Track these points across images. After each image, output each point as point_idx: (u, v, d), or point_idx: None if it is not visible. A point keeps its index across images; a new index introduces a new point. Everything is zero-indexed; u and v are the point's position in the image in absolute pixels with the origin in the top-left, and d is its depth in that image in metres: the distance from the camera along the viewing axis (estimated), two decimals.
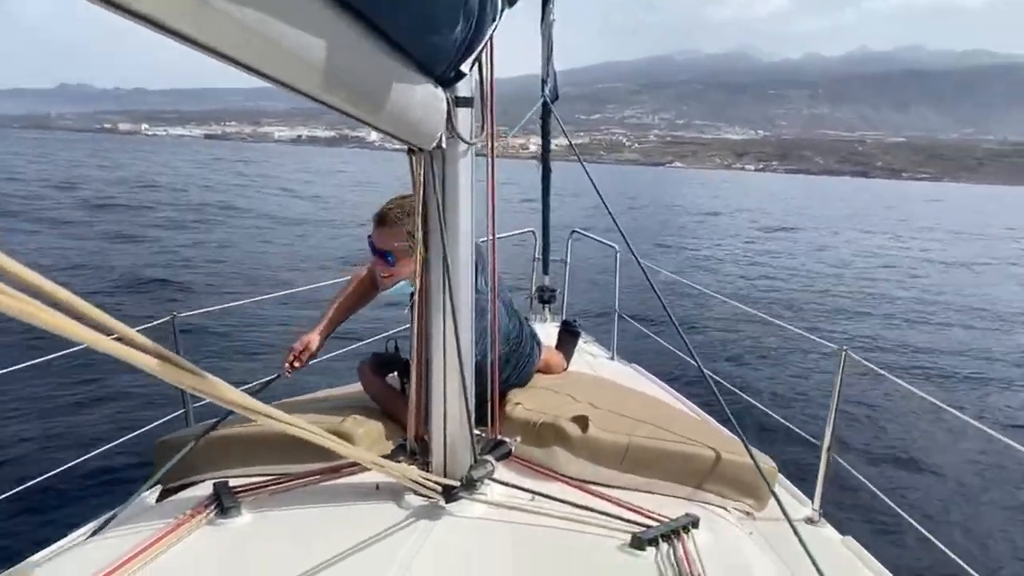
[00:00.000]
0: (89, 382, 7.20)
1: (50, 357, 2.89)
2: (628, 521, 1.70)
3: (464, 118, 1.58)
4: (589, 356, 4.22)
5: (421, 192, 1.63)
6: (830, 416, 2.88)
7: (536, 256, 5.34)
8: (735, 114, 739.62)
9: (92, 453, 3.17)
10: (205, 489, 1.86)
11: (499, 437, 1.98)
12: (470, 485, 1.74)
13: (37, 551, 2.25)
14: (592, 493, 1.90)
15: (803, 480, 3.04)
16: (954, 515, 5.59)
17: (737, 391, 3.98)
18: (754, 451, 2.04)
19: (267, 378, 2.58)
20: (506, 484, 1.85)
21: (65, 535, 2.31)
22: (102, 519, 2.03)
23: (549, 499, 1.78)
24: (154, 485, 2.10)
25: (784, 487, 2.90)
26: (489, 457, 1.83)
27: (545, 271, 5.24)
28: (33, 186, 29.02)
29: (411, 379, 1.85)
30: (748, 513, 2.07)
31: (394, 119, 1.23)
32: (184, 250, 16.00)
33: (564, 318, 4.53)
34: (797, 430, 3.47)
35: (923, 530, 2.80)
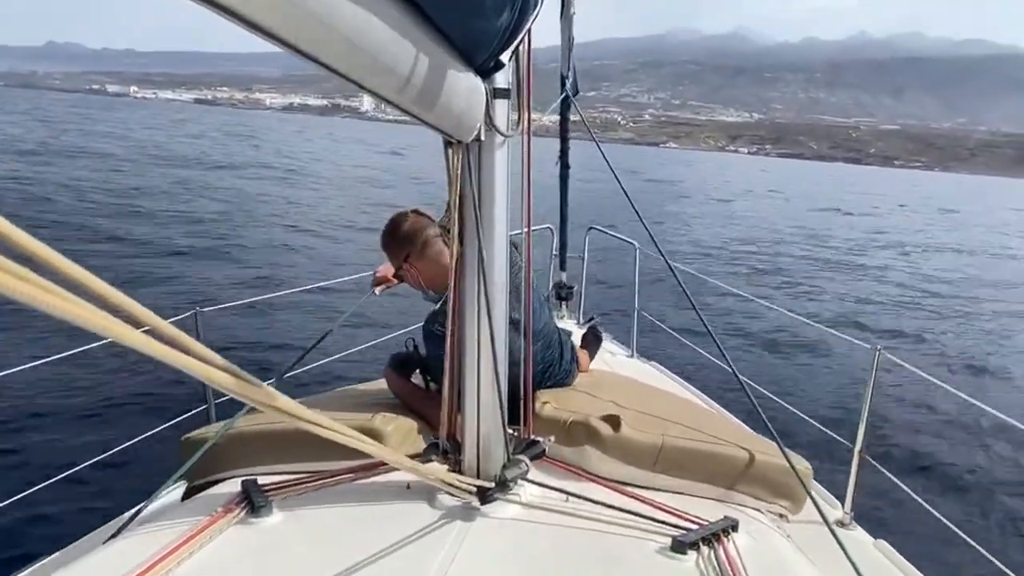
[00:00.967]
0: (110, 377, 7.17)
1: (73, 352, 2.87)
2: (665, 523, 1.66)
3: (501, 110, 1.54)
4: (608, 354, 4.09)
5: (458, 185, 1.59)
6: (862, 417, 2.82)
7: (553, 252, 5.32)
8: (731, 96, 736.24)
9: (114, 450, 3.15)
10: (232, 487, 1.83)
11: (532, 437, 1.96)
12: (504, 485, 1.72)
13: (58, 548, 2.29)
14: (626, 494, 1.86)
15: (835, 482, 2.97)
16: (991, 518, 5.45)
17: (765, 390, 3.86)
18: (789, 452, 2.00)
19: (295, 360, 2.60)
20: (540, 484, 1.81)
21: (86, 533, 2.32)
22: (127, 516, 2.02)
23: (584, 500, 1.75)
24: (179, 483, 2.07)
25: (815, 489, 2.79)
26: (523, 457, 1.80)
27: (562, 267, 5.23)
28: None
29: (444, 376, 1.81)
30: (782, 515, 2.05)
31: (439, 110, 1.22)
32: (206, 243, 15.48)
33: (588, 319, 4.50)
34: (828, 431, 3.37)
35: (961, 532, 2.69)
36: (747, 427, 2.62)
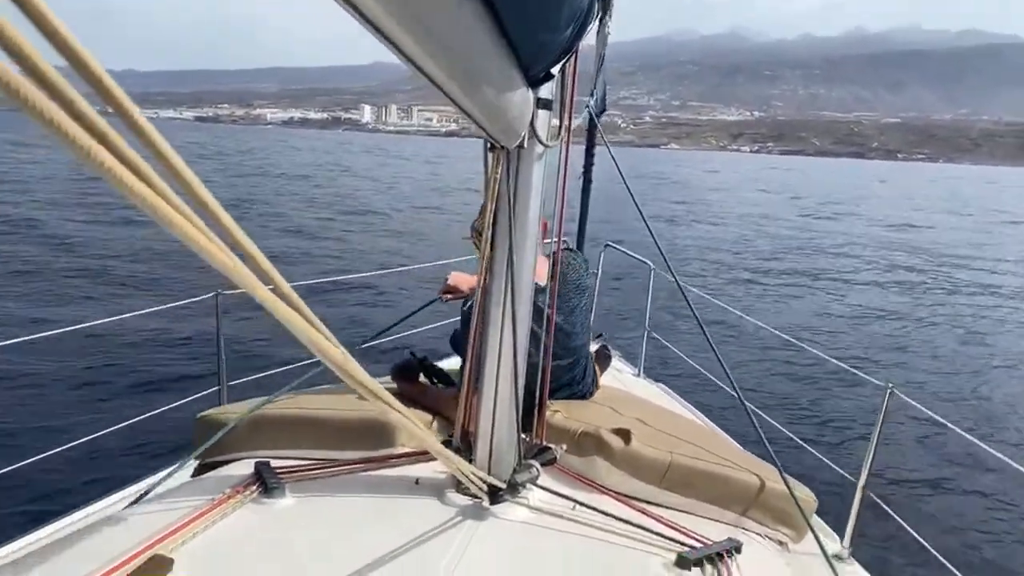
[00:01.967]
0: (131, 351, 7.61)
1: (93, 324, 3.13)
2: (671, 540, 1.68)
3: (543, 119, 1.56)
4: (615, 372, 4.14)
5: (495, 190, 1.60)
6: (868, 453, 2.85)
7: None
8: (730, 95, 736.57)
9: (129, 421, 3.19)
10: (245, 468, 1.84)
11: (544, 443, 1.98)
12: (514, 488, 1.73)
13: (74, 511, 2.40)
14: (633, 507, 1.87)
15: (832, 515, 2.97)
16: (991, 562, 5.40)
17: (771, 420, 3.82)
18: (792, 482, 2.02)
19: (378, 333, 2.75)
20: (548, 490, 1.82)
21: (101, 496, 2.44)
22: (141, 486, 2.06)
23: (591, 510, 1.76)
24: (193, 459, 2.08)
25: (814, 521, 2.86)
26: (534, 462, 1.81)
27: None
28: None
29: (463, 375, 1.82)
30: (783, 543, 2.06)
31: (495, 115, 1.24)
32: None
33: (596, 335, 4.48)
34: (832, 464, 3.37)
35: (958, 573, 2.69)
36: (750, 454, 2.58)
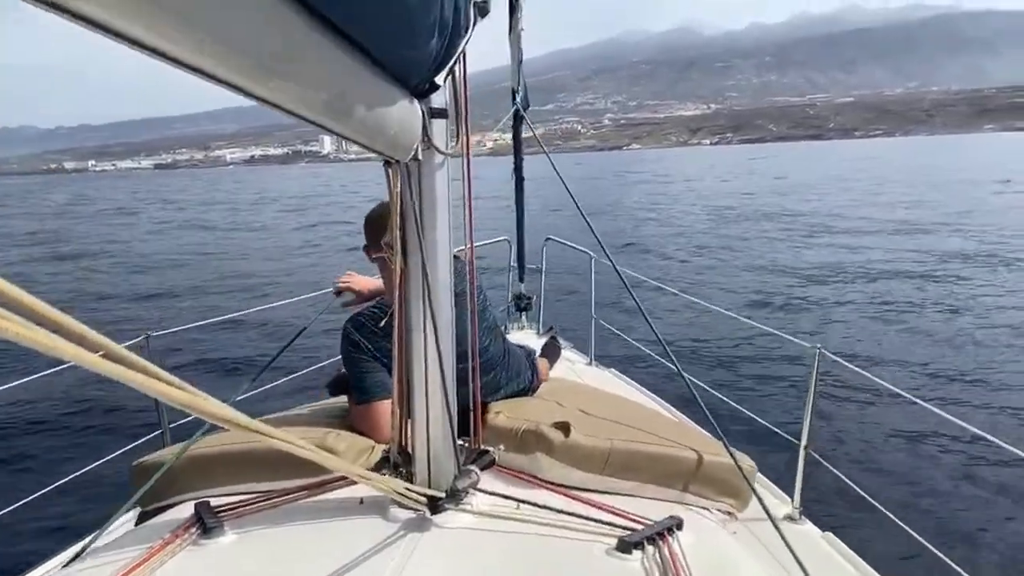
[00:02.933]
0: (62, 405, 7.29)
1: (25, 380, 2.99)
2: (613, 525, 1.70)
3: (439, 129, 1.58)
4: (567, 363, 4.27)
5: (399, 204, 1.63)
6: (806, 414, 2.96)
7: (511, 264, 5.41)
8: (686, 90, 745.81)
9: (67, 479, 3.14)
10: (186, 510, 1.82)
11: (482, 446, 1.98)
12: (455, 496, 1.74)
13: None
14: (576, 499, 1.88)
15: (783, 478, 3.10)
16: (933, 507, 5.66)
17: (715, 392, 3.94)
18: (733, 450, 2.06)
19: (252, 379, 2.63)
20: (491, 493, 1.83)
21: (40, 563, 2.37)
22: (79, 546, 2.00)
23: (534, 506, 1.79)
24: (132, 508, 2.04)
25: (764, 486, 2.99)
26: (473, 467, 1.82)
27: (521, 279, 5.33)
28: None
29: (392, 390, 1.83)
30: (730, 513, 2.10)
31: (372, 132, 1.25)
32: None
33: (547, 328, 4.58)
34: (775, 429, 3.48)
35: (902, 524, 2.81)
36: (699, 428, 2.62)
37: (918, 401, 2.90)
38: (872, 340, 10.83)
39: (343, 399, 2.45)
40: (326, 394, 2.54)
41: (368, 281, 2.76)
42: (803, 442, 2.97)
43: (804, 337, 3.38)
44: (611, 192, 44.29)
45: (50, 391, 7.32)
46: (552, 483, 1.98)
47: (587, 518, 1.73)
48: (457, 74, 1.59)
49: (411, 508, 1.73)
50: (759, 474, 2.51)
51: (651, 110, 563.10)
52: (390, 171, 1.59)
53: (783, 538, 1.75)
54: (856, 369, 3.13)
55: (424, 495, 1.70)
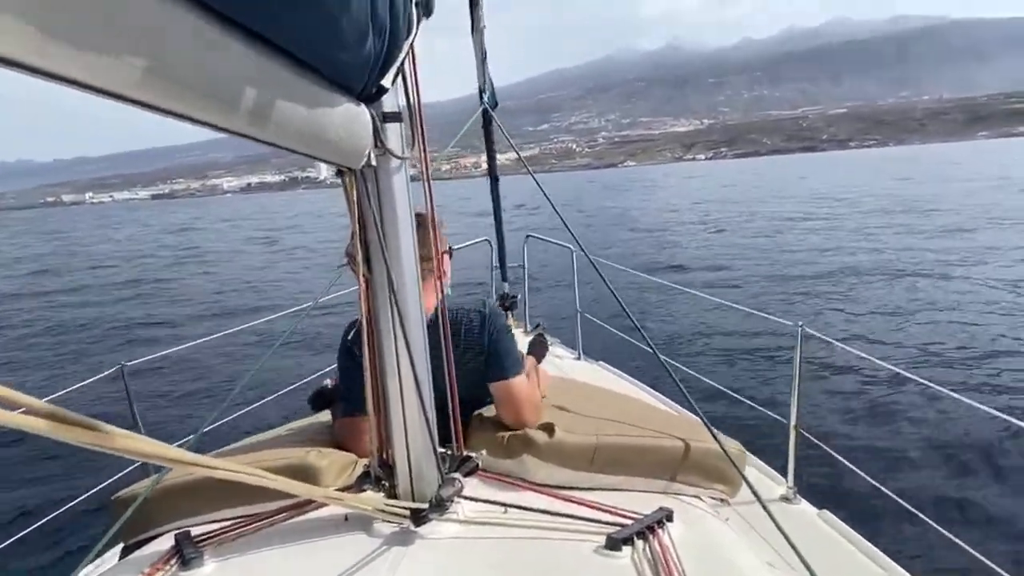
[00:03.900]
0: (37, 442, 6.79)
1: None
2: (602, 523, 1.68)
3: (394, 133, 1.57)
4: (556, 359, 4.24)
5: (356, 212, 1.59)
6: (793, 393, 2.98)
7: (494, 264, 5.41)
8: (679, 107, 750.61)
9: (47, 517, 3.10)
10: (167, 542, 1.80)
11: (465, 453, 1.96)
12: (440, 505, 1.71)
13: None
14: (564, 498, 1.85)
15: (776, 459, 3.14)
16: (924, 478, 5.70)
17: (703, 378, 4.07)
18: (720, 436, 2.01)
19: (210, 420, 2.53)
20: (476, 500, 1.80)
21: None
22: None
23: (521, 509, 1.76)
24: (113, 544, 2.00)
25: (758, 468, 3.06)
26: (456, 475, 1.82)
27: (504, 278, 5.34)
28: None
29: (367, 406, 1.78)
30: (723, 499, 2.09)
31: (312, 141, 1.21)
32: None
33: (534, 326, 4.56)
34: (764, 410, 3.50)
35: (895, 497, 2.82)
36: (690, 415, 2.56)
37: (903, 372, 2.96)
38: (854, 319, 11.17)
39: (326, 414, 2.43)
40: (309, 409, 2.50)
41: None
42: (792, 421, 2.99)
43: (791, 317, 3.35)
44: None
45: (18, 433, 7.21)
46: (539, 484, 1.94)
47: (575, 517, 1.71)
48: (408, 76, 1.56)
49: (395, 522, 1.70)
50: (753, 457, 2.51)
51: (645, 127, 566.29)
52: (345, 180, 1.55)
53: (773, 519, 1.71)
54: (840, 345, 3.21)
55: (407, 508, 1.67)
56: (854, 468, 3.01)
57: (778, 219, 28.95)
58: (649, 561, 1.51)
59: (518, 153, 2.92)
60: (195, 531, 1.78)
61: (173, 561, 1.66)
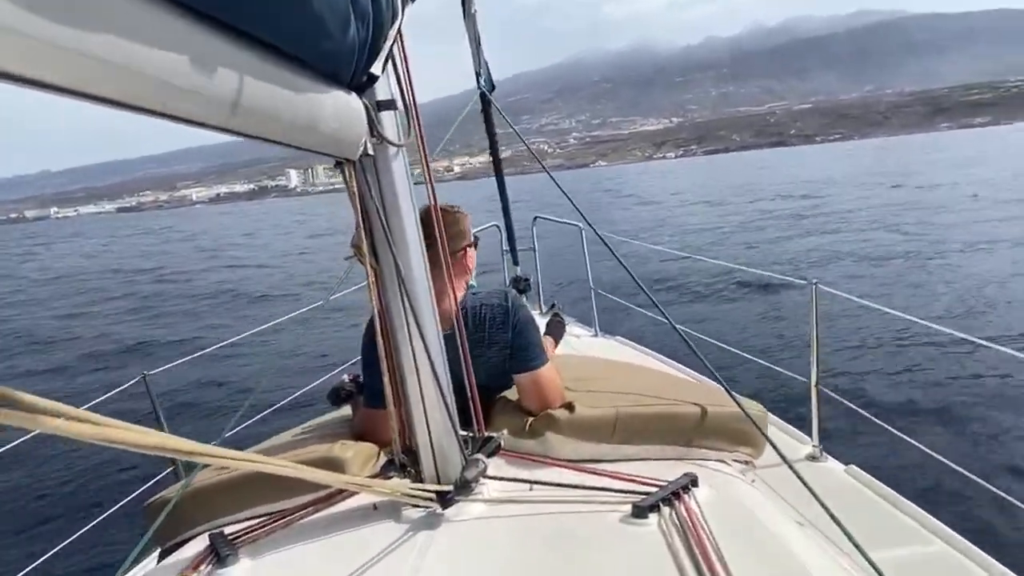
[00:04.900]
0: (62, 457, 7.07)
1: (15, 443, 3.02)
2: (628, 492, 1.68)
3: (389, 121, 1.56)
4: (573, 338, 4.27)
5: (358, 202, 1.60)
6: (812, 351, 2.98)
7: (504, 248, 5.45)
8: (648, 106, 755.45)
9: (86, 527, 3.16)
10: (202, 543, 1.81)
11: (486, 433, 1.94)
12: (465, 487, 1.72)
13: None
14: (589, 471, 1.85)
15: (799, 419, 3.18)
16: (947, 425, 5.61)
17: (720, 344, 4.05)
18: (740, 398, 2.02)
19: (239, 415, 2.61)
20: (501, 479, 1.82)
21: None
22: None
23: (546, 485, 1.78)
24: (149, 549, 2.05)
25: (782, 428, 3.08)
26: (479, 455, 1.81)
27: (515, 261, 5.38)
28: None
29: (386, 394, 1.80)
30: (747, 462, 2.08)
31: (305, 133, 1.20)
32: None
33: (549, 306, 4.53)
34: (783, 371, 3.52)
35: (922, 447, 2.80)
36: (710, 382, 2.51)
37: (918, 320, 2.95)
38: (864, 271, 11.75)
39: (345, 409, 2.44)
40: (329, 405, 2.52)
41: None
42: (813, 380, 2.99)
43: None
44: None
45: (47, 445, 7.03)
46: (562, 460, 1.93)
47: (600, 488, 1.71)
48: (398, 62, 1.56)
49: (423, 506, 1.71)
50: (776, 418, 2.49)
51: (614, 127, 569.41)
52: (344, 172, 1.54)
53: (799, 477, 1.69)
54: (854, 299, 3.18)
55: (433, 491, 1.68)
56: (878, 421, 3.00)
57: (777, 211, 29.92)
58: (677, 527, 1.50)
59: (520, 136, 2.82)
60: (228, 530, 1.78)
61: (209, 561, 1.66)
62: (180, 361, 3.82)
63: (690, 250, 15.79)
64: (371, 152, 1.52)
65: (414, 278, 1.66)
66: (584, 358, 3.07)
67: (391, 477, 1.80)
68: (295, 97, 1.08)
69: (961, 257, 13.19)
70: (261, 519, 1.84)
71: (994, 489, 2.49)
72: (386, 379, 1.76)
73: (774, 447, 1.87)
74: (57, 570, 4.35)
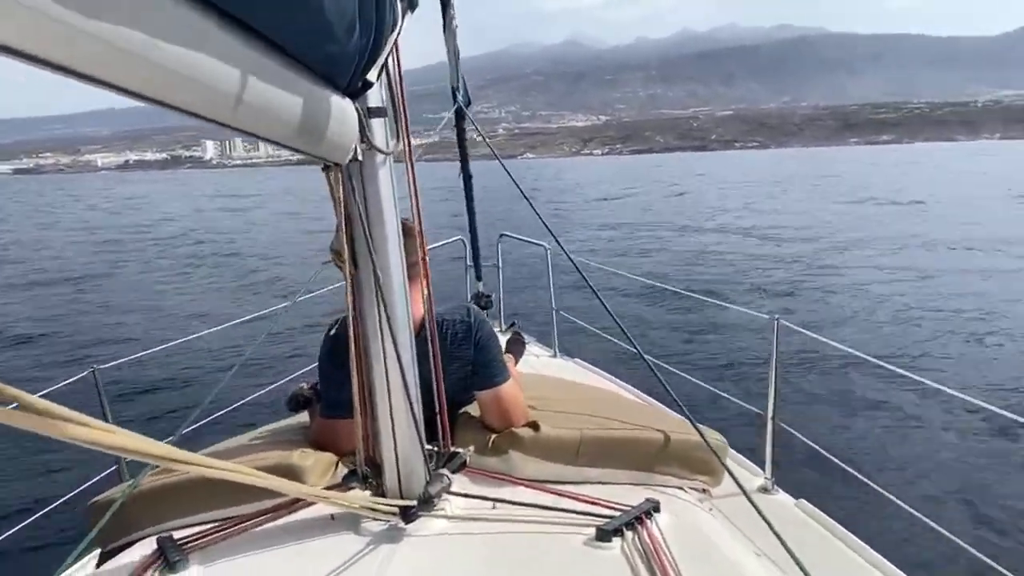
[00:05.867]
0: (7, 448, 6.70)
1: None
2: (591, 515, 1.69)
3: (378, 128, 1.56)
4: (532, 357, 4.28)
5: (343, 208, 1.58)
6: (771, 385, 3.01)
7: (468, 263, 5.40)
8: (577, 102, 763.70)
9: (21, 524, 3.00)
10: (148, 546, 1.77)
11: (452, 449, 1.94)
12: (428, 502, 1.71)
13: None
14: (552, 492, 1.87)
15: (754, 451, 3.15)
16: (902, 466, 5.76)
17: (681, 373, 4.06)
18: (702, 428, 2.05)
19: (192, 417, 2.54)
20: (465, 495, 1.81)
21: None
22: None
23: (510, 504, 1.77)
24: (90, 550, 1.96)
25: (736, 460, 3.05)
26: (444, 471, 1.80)
27: (478, 277, 5.34)
28: None
29: (354, 403, 1.76)
30: (705, 490, 2.12)
31: (304, 136, 1.21)
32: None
33: (509, 324, 4.76)
34: (741, 403, 3.53)
35: (872, 484, 2.86)
36: (668, 410, 2.59)
37: (879, 362, 2.98)
38: (826, 309, 11.84)
39: (303, 416, 2.39)
40: (284, 412, 2.46)
41: None
42: (770, 413, 3.03)
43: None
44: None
45: None
46: (526, 479, 1.93)
47: (564, 510, 1.70)
48: (392, 71, 1.56)
49: (383, 520, 1.68)
50: (731, 449, 2.53)
51: (544, 120, 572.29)
52: (330, 176, 1.51)
53: (756, 509, 1.69)
54: (815, 336, 3.21)
55: (395, 505, 1.65)
56: (831, 457, 3.05)
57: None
58: (640, 551, 1.51)
59: (492, 149, 2.86)
60: (178, 534, 1.72)
61: (156, 566, 1.61)
62: (135, 356, 3.69)
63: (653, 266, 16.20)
64: (360, 158, 1.51)
65: (392, 287, 1.65)
66: (547, 378, 3.10)
67: (352, 488, 1.77)
68: (294, 97, 1.08)
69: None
70: (213, 525, 1.79)
71: (940, 529, 2.55)
72: (355, 388, 1.73)
73: (734, 478, 1.89)
74: None
